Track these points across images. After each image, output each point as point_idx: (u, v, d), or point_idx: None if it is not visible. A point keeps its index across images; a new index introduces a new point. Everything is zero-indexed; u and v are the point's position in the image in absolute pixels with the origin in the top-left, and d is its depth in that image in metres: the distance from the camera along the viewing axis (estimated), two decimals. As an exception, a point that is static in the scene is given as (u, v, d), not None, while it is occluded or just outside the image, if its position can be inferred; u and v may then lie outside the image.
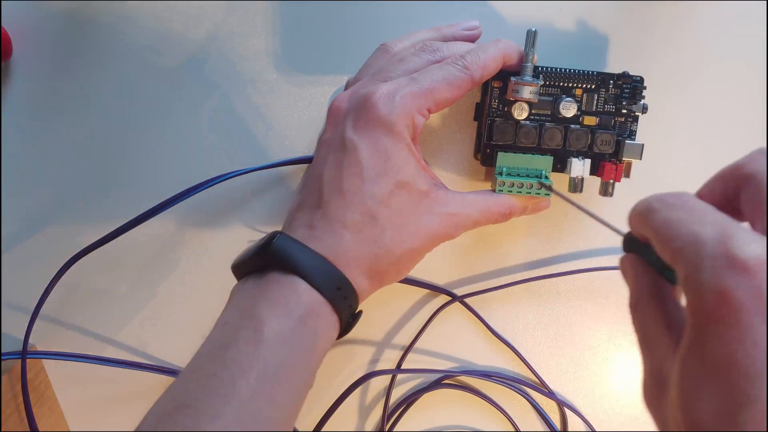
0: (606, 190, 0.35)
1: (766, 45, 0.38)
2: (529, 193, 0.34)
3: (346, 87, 0.34)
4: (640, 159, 0.34)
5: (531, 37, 0.32)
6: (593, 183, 0.35)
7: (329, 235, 0.29)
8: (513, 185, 0.33)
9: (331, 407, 0.37)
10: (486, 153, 0.35)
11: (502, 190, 0.33)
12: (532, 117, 0.34)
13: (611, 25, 0.37)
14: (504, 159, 0.34)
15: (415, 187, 0.30)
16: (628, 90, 0.34)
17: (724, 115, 0.39)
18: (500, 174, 0.34)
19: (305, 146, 0.38)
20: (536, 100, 0.33)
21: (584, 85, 0.34)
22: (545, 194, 0.34)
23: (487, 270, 0.40)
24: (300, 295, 0.27)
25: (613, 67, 0.37)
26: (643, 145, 0.34)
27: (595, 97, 0.34)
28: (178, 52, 0.37)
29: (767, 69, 0.38)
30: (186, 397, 0.25)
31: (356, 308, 0.30)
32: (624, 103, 0.34)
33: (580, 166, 0.34)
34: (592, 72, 0.34)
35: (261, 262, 0.28)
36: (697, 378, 0.18)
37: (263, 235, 0.30)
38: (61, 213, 0.38)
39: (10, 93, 0.36)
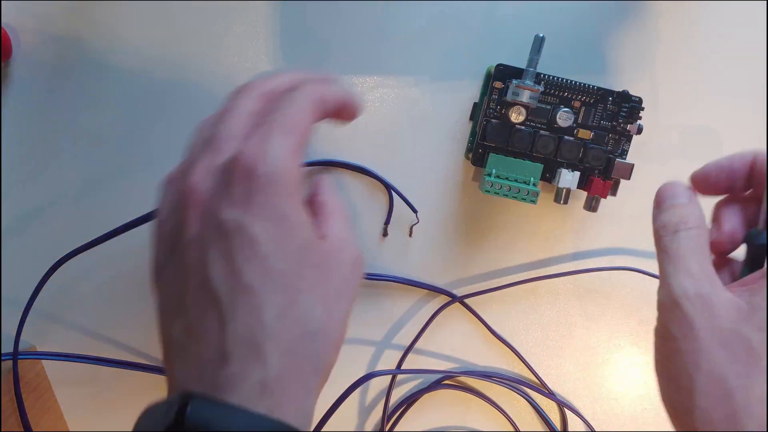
0: (591, 205, 0.35)
1: (766, 45, 0.38)
2: (515, 197, 0.34)
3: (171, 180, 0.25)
4: (629, 179, 0.35)
5: (537, 42, 0.32)
6: (579, 196, 0.36)
7: (250, 364, 0.20)
8: (501, 187, 0.33)
9: (331, 407, 0.36)
10: (478, 153, 0.35)
11: (488, 191, 0.33)
12: (528, 123, 0.34)
13: (611, 27, 0.37)
14: (495, 161, 0.34)
15: (315, 241, 0.23)
16: (626, 109, 0.34)
17: (723, 117, 0.39)
18: (489, 175, 0.34)
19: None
20: (534, 106, 0.33)
21: (583, 98, 0.34)
22: (531, 201, 0.34)
23: (486, 270, 0.40)
24: None
25: (612, 73, 0.37)
26: (633, 165, 0.34)
27: (593, 112, 0.35)
28: (178, 51, 0.36)
29: (767, 69, 0.38)
30: None
31: None
32: (620, 121, 0.34)
33: (569, 178, 0.34)
34: (593, 86, 0.34)
35: None
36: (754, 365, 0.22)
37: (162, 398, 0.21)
38: (60, 213, 0.37)
39: (10, 93, 0.36)
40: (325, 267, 0.23)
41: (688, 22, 0.37)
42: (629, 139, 0.35)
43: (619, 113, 0.34)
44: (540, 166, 0.34)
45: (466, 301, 0.40)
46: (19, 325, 0.36)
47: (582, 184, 0.35)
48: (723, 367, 0.22)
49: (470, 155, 0.35)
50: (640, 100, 0.34)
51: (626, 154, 0.35)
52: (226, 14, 0.36)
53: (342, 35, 0.36)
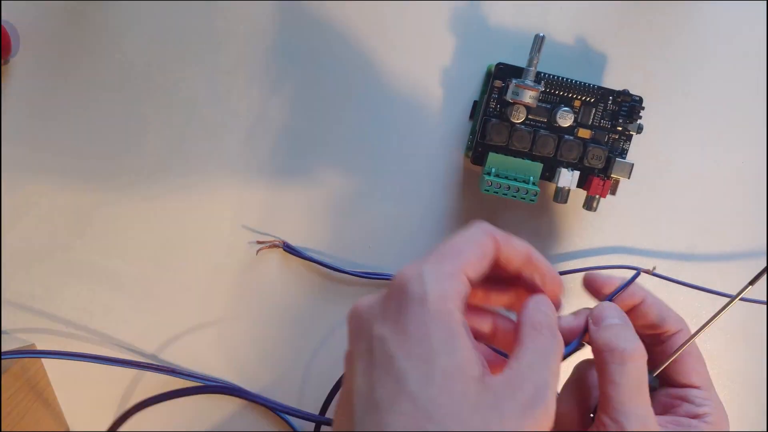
0: (590, 204, 0.35)
1: (766, 45, 0.38)
2: (515, 197, 0.34)
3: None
4: (629, 178, 0.35)
5: (537, 42, 0.32)
6: (579, 195, 0.36)
7: None
8: (500, 187, 0.33)
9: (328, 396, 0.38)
10: (477, 152, 0.35)
11: (488, 190, 0.33)
12: (528, 122, 0.34)
13: (610, 28, 0.37)
14: (494, 160, 0.34)
15: (467, 373, 0.21)
16: (627, 108, 0.34)
17: (723, 117, 0.39)
18: (488, 174, 0.34)
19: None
20: (535, 105, 0.33)
21: (584, 98, 0.34)
22: (530, 200, 0.34)
23: None
24: None
25: (611, 72, 0.37)
26: (632, 164, 0.34)
27: (593, 111, 0.35)
28: (178, 51, 0.36)
29: (767, 69, 0.38)
30: None
31: None
32: (620, 120, 0.34)
33: (568, 177, 0.34)
34: (593, 85, 0.34)
35: None
36: None
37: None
38: (60, 212, 0.37)
39: (10, 92, 0.36)
40: (475, 404, 0.21)
41: (688, 22, 0.37)
42: (629, 138, 0.35)
43: (619, 112, 0.34)
44: (540, 165, 0.34)
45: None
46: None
47: (581, 184, 0.35)
48: None
49: (470, 153, 0.35)
50: (641, 99, 0.34)
51: (626, 154, 0.35)
52: (227, 14, 0.36)
53: (342, 35, 0.36)
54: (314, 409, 0.38)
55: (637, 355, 0.26)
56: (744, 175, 0.39)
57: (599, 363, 0.26)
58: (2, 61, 0.35)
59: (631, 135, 0.35)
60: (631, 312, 0.29)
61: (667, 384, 0.29)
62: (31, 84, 0.36)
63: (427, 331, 0.21)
